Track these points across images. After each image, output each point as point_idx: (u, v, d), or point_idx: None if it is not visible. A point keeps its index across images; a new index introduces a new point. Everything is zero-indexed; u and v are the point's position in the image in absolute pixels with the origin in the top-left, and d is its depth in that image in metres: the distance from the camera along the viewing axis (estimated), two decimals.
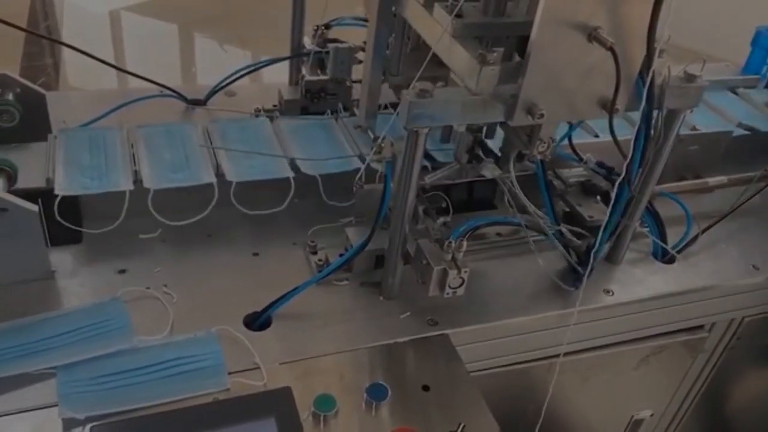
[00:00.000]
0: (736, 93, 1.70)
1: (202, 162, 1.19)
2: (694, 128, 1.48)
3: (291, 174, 1.18)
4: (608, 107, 0.95)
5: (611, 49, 0.88)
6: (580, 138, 1.33)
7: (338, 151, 1.26)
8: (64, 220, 1.07)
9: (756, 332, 1.37)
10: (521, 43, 0.96)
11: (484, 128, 1.17)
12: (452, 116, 0.94)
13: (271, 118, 1.36)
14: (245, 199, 1.15)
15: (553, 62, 0.91)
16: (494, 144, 1.22)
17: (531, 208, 1.13)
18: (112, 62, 1.48)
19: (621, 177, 1.01)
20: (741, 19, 2.27)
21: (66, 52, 3.71)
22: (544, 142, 1.04)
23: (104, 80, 2.85)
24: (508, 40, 1.01)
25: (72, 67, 3.71)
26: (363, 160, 1.22)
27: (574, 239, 1.17)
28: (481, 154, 1.16)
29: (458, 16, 0.95)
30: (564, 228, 1.16)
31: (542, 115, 0.93)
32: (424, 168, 1.19)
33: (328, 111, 1.39)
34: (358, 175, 1.15)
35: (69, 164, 1.14)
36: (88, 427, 0.86)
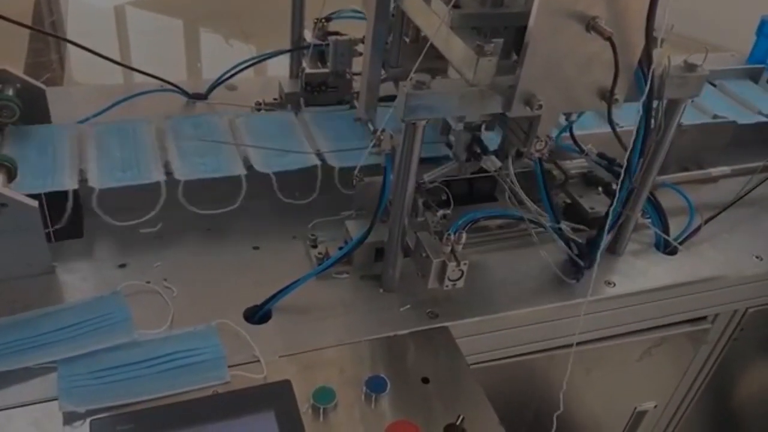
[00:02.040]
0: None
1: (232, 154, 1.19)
2: (714, 116, 1.47)
3: (317, 162, 1.18)
4: (607, 97, 0.95)
5: (609, 39, 0.87)
6: (581, 129, 1.32)
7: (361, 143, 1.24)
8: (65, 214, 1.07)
9: (759, 323, 1.37)
10: (520, 34, 0.95)
11: (483, 125, 1.16)
12: (450, 108, 0.94)
13: (296, 111, 1.36)
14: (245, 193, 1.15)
15: (551, 52, 0.90)
16: (494, 137, 1.21)
17: (531, 206, 1.11)
18: (117, 58, 1.48)
19: (623, 168, 1.01)
20: (748, 8, 2.25)
21: (71, 48, 3.71)
22: (542, 140, 1.03)
23: (109, 76, 2.85)
24: (506, 31, 1.00)
25: (77, 63, 3.72)
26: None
27: (574, 237, 1.17)
28: (479, 151, 1.15)
29: (456, 6, 0.95)
30: (564, 225, 1.16)
31: (541, 106, 0.92)
32: (422, 161, 1.19)
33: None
34: (357, 168, 1.15)
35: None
36: (88, 420, 0.86)
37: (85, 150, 1.18)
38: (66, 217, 1.08)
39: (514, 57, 1.00)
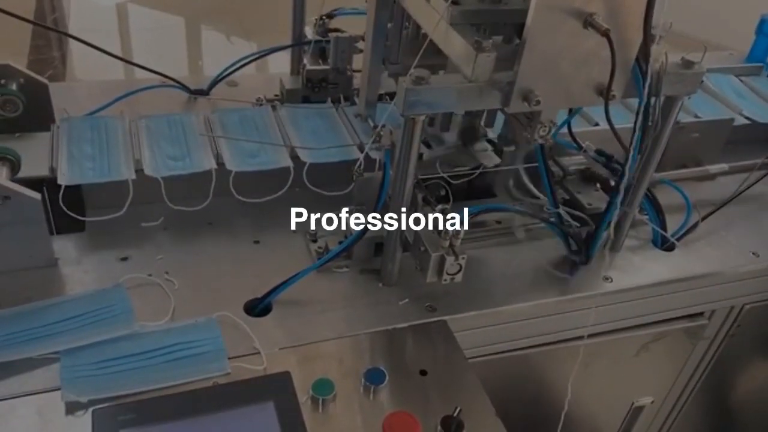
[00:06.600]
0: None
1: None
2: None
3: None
4: (605, 94, 0.96)
5: (606, 35, 0.88)
6: (579, 126, 1.33)
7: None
8: (68, 208, 1.08)
9: (756, 320, 1.37)
10: (518, 31, 0.96)
11: (484, 115, 1.17)
12: (449, 103, 0.95)
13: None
14: (245, 187, 1.16)
15: (548, 49, 0.91)
16: (491, 133, 1.22)
17: (533, 190, 1.12)
18: (119, 54, 1.49)
19: (620, 165, 1.02)
20: (747, 7, 2.26)
21: (73, 45, 3.73)
22: (545, 126, 1.04)
23: (111, 73, 2.87)
24: (505, 28, 1.01)
25: (79, 59, 3.73)
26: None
27: (573, 223, 1.18)
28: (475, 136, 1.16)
29: (455, 3, 0.96)
30: (563, 210, 1.17)
31: (538, 102, 0.93)
32: (422, 155, 1.20)
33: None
34: (358, 164, 1.16)
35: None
36: (90, 410, 0.87)
37: (138, 140, 1.20)
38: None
39: (512, 48, 1.00)
